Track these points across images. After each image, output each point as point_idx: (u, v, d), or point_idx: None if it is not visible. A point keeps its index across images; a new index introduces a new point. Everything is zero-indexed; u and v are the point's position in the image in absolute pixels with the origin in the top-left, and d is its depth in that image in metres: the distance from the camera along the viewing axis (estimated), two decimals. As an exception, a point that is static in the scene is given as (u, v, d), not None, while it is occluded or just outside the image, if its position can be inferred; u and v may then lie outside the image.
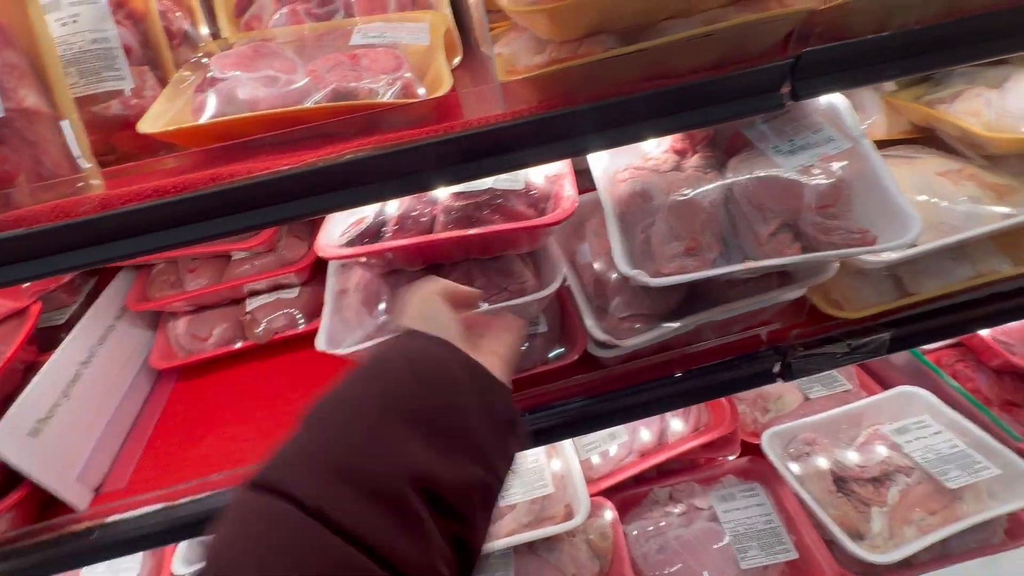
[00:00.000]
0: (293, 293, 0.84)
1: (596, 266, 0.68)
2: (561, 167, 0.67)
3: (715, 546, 0.86)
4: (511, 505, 0.84)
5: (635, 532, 0.90)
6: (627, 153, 0.68)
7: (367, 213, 0.62)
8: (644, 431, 0.95)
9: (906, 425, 0.91)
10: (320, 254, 0.58)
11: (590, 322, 0.65)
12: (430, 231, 0.59)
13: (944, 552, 0.82)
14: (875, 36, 0.51)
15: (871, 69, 0.52)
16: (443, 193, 0.62)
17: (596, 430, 0.72)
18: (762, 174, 0.60)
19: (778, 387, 1.09)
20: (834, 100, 0.68)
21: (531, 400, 0.67)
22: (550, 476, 0.87)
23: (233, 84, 0.48)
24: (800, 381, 1.09)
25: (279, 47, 0.53)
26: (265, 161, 0.45)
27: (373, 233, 0.59)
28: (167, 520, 0.63)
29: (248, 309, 0.82)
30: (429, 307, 0.46)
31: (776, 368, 0.73)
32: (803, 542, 0.86)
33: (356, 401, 0.35)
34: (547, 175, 0.67)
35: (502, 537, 0.80)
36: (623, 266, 0.58)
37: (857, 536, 0.81)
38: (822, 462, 0.88)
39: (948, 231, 0.70)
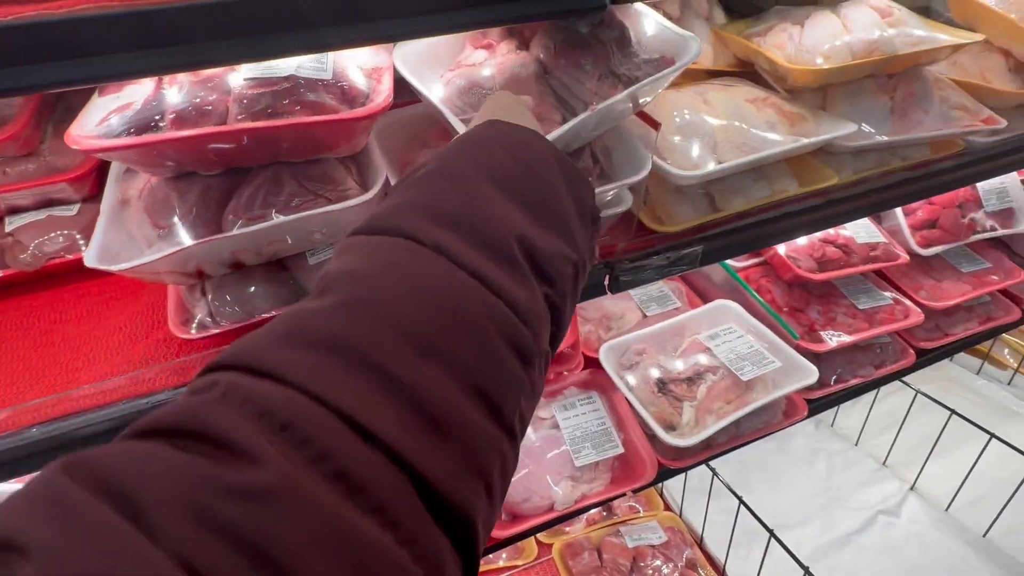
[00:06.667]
0: (71, 210, 0.71)
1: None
2: (381, 60, 0.65)
3: (555, 450, 0.95)
4: None
5: None
6: (437, 66, 0.71)
7: (135, 97, 0.55)
8: None
9: (716, 332, 1.00)
10: (71, 145, 0.50)
11: None
12: (221, 125, 0.53)
13: (737, 433, 0.95)
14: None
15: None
16: (236, 80, 0.56)
17: None
18: (564, 38, 0.66)
19: (620, 306, 1.17)
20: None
21: None
22: None
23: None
24: (639, 301, 1.18)
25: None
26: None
27: (144, 124, 0.53)
28: None
29: (9, 229, 0.68)
30: (511, 109, 0.46)
31: (605, 281, 0.80)
32: (629, 439, 0.96)
33: (452, 168, 0.35)
34: (364, 68, 0.63)
35: None
36: None
37: (671, 428, 0.91)
38: (650, 369, 0.97)
39: (748, 151, 0.76)
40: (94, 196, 0.74)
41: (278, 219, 0.59)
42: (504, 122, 0.40)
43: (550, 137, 0.59)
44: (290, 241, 0.64)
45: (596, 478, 0.94)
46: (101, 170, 0.72)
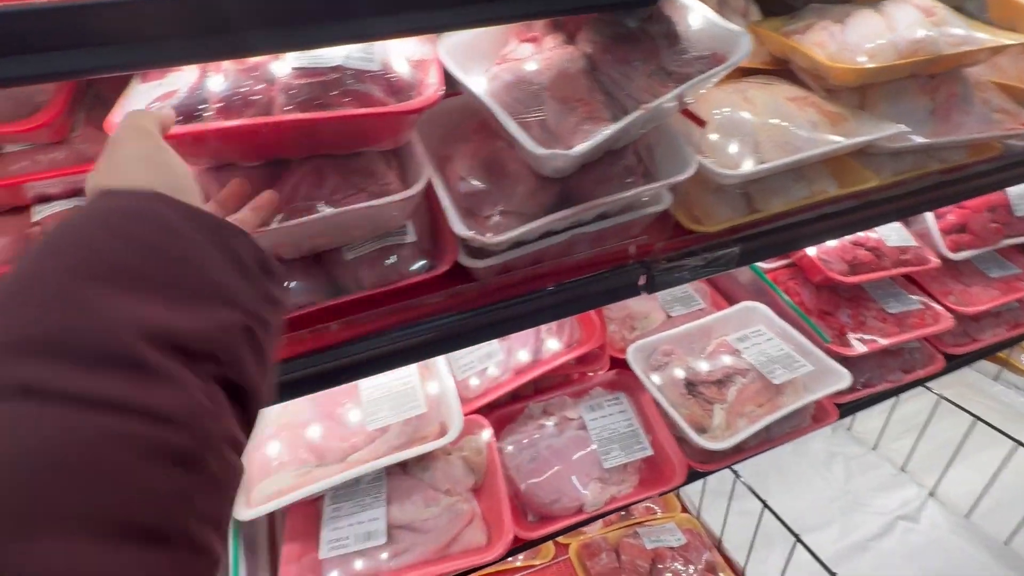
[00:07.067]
0: None
1: (465, 170, 0.67)
2: (426, 52, 0.63)
3: (582, 451, 0.93)
4: (382, 428, 0.81)
5: (511, 446, 0.95)
6: (480, 60, 0.69)
7: (178, 85, 0.54)
8: (521, 351, 1.00)
9: (746, 334, 0.99)
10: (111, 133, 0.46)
11: (456, 221, 0.62)
12: (267, 115, 0.51)
13: (768, 437, 0.94)
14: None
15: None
16: (282, 69, 0.54)
17: (468, 345, 0.71)
18: (611, 33, 0.64)
19: (645, 307, 1.16)
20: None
21: (400, 315, 0.66)
22: (423, 397, 0.86)
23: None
24: (663, 302, 1.17)
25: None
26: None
27: (189, 112, 0.51)
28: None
29: (37, 218, 0.65)
30: (142, 147, 0.38)
31: (641, 281, 0.78)
32: (658, 440, 0.95)
33: (38, 273, 0.29)
34: (411, 59, 0.61)
35: (372, 460, 0.78)
36: (537, 149, 0.57)
37: (701, 430, 0.90)
38: (677, 370, 0.96)
39: (792, 151, 0.74)
40: (123, 186, 0.73)
41: (324, 212, 0.57)
42: (114, 193, 0.34)
43: (600, 137, 0.58)
44: (331, 236, 0.63)
45: (624, 480, 0.93)
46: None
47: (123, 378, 0.27)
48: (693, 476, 0.93)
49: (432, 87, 0.57)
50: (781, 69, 0.94)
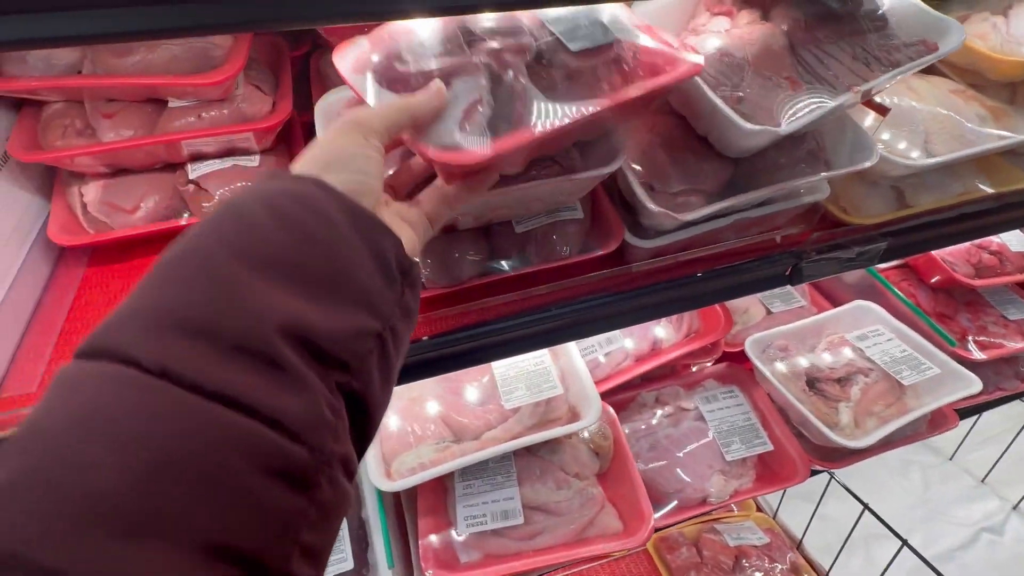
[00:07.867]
0: (253, 161, 0.67)
1: (644, 146, 0.65)
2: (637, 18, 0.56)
3: (701, 442, 0.93)
4: (514, 408, 0.81)
5: (627, 432, 0.94)
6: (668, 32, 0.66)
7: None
8: (635, 338, 0.99)
9: (865, 333, 0.98)
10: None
11: (644, 196, 0.60)
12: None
13: (889, 439, 0.92)
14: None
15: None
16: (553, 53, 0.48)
17: (617, 327, 0.69)
18: (813, 12, 0.61)
19: (745, 301, 1.15)
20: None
21: (557, 294, 0.64)
22: (557, 378, 0.84)
23: None
24: (762, 296, 1.15)
25: None
26: None
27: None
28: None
29: (192, 176, 0.64)
30: (344, 145, 0.36)
31: (787, 271, 0.76)
32: (775, 436, 0.94)
33: (199, 253, 0.28)
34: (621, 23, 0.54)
35: (509, 439, 0.76)
36: (745, 125, 0.55)
37: (829, 428, 0.89)
38: (795, 365, 0.94)
39: (967, 144, 0.72)
40: (273, 148, 0.72)
41: (524, 184, 0.54)
42: (282, 174, 0.33)
43: (814, 116, 0.56)
44: (516, 208, 0.61)
45: (744, 474, 0.91)
46: (287, 124, 0.71)
47: (256, 374, 0.25)
48: (813, 474, 0.91)
49: (690, 56, 0.51)
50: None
